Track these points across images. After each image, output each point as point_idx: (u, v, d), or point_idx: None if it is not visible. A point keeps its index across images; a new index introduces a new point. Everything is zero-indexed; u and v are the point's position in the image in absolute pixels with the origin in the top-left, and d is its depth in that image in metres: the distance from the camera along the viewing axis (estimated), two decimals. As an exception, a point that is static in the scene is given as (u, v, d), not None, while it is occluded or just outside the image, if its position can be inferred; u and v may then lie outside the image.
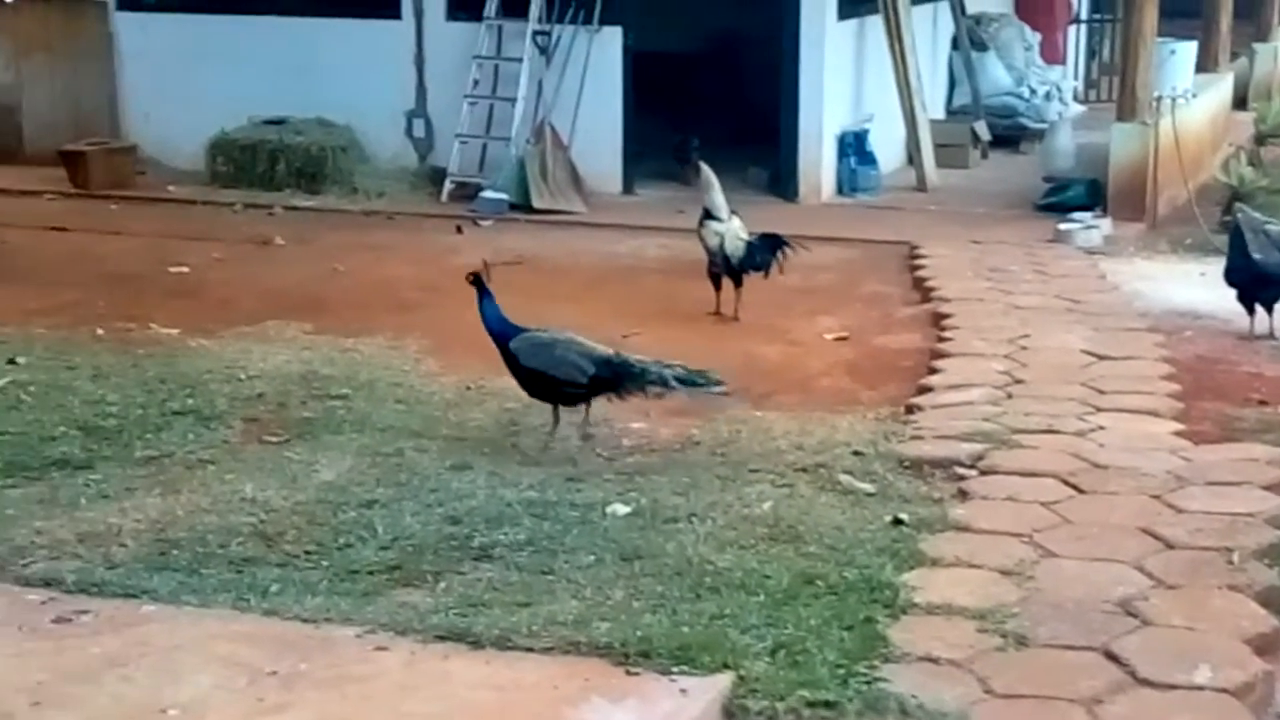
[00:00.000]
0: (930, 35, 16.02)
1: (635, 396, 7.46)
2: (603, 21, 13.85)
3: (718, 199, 10.35)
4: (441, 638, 5.25)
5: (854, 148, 14.20)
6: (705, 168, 10.49)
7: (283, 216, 13.45)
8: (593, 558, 5.99)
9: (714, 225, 10.23)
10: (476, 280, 7.57)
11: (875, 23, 14.34)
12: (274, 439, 7.51)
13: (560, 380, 7.39)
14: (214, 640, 5.20)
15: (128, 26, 15.52)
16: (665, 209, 13.39)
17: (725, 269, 10.16)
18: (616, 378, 7.37)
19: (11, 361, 8.68)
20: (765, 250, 10.07)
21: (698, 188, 13.14)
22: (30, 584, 5.70)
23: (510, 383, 8.00)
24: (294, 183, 14.21)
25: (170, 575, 5.78)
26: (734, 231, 10.18)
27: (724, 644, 5.19)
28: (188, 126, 14.59)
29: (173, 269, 11.52)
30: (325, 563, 5.96)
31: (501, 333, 7.54)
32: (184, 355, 8.96)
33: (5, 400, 8.00)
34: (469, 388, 8.32)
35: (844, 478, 6.94)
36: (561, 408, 7.50)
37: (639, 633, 5.25)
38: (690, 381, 7.37)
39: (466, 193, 13.88)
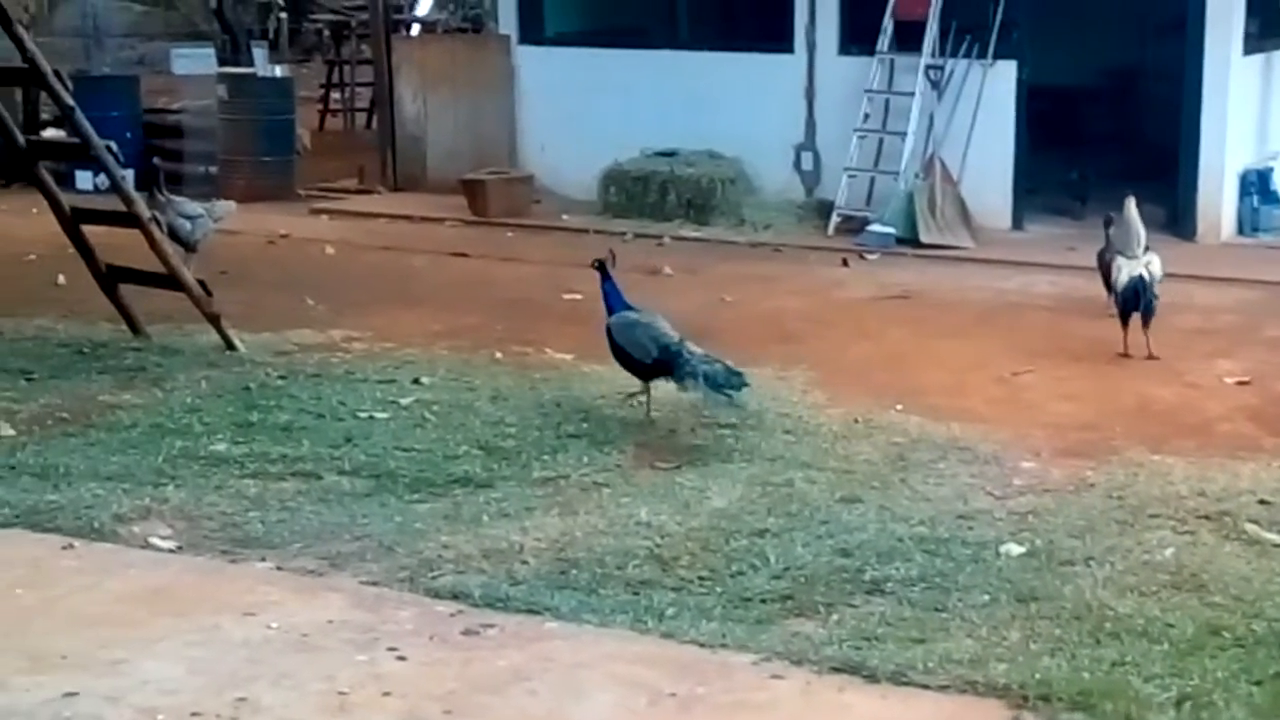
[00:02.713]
0: (1343, 70, 15.31)
1: (685, 383, 8.08)
2: (997, 55, 13.65)
3: (1129, 235, 10.09)
4: (836, 669, 5.25)
5: (1257, 186, 13.67)
6: (1130, 203, 10.21)
7: (671, 247, 13.67)
8: (987, 597, 5.91)
9: (1119, 260, 10.01)
10: (601, 266, 8.47)
11: (1284, 57, 13.83)
12: (665, 465, 7.63)
13: (634, 357, 8.21)
14: (613, 660, 5.31)
15: (528, 60, 15.98)
16: (1056, 246, 13.14)
17: (1120, 303, 9.92)
18: (667, 363, 8.07)
19: (416, 381, 9.04)
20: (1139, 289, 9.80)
21: (1086, 225, 12.99)
22: (439, 596, 5.93)
23: (896, 417, 8.19)
24: (683, 213, 14.41)
25: (570, 594, 5.93)
26: (1131, 267, 9.91)
27: (1126, 692, 5.06)
28: (582, 157, 14.94)
29: (566, 296, 11.79)
30: (719, 589, 6.02)
31: (610, 310, 8.43)
32: (577, 380, 9.18)
33: (411, 419, 8.33)
34: (856, 420, 8.30)
35: (1250, 527, 6.68)
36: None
37: (1037, 675, 5.16)
38: (713, 382, 7.93)
39: (853, 226, 13.85)
